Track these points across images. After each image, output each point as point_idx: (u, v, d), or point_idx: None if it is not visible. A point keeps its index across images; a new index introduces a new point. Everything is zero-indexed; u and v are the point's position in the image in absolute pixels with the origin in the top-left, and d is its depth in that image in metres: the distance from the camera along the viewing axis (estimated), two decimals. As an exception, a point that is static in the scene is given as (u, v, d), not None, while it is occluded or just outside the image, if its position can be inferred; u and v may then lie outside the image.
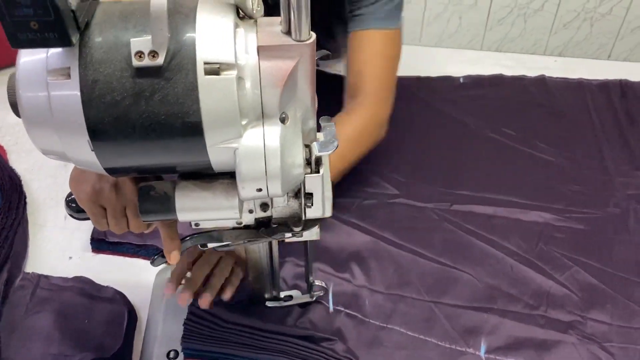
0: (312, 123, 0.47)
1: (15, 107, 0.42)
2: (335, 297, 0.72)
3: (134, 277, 0.77)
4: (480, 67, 1.16)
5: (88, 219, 0.58)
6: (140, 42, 0.39)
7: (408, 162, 0.93)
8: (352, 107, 0.82)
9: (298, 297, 0.70)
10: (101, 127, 0.40)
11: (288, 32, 0.41)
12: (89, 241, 0.81)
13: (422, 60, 1.19)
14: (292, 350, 0.65)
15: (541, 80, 1.11)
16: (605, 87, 1.10)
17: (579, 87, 1.10)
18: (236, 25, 0.41)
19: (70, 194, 0.58)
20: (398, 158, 0.93)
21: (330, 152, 0.47)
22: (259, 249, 0.62)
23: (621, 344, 0.69)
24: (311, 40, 0.42)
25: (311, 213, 0.53)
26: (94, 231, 0.81)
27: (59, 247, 0.82)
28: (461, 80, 1.12)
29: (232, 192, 0.46)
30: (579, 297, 0.73)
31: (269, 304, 0.69)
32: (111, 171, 0.45)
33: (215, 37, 0.40)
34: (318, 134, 0.48)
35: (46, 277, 0.75)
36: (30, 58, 0.40)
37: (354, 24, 0.84)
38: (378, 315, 0.70)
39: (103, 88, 0.40)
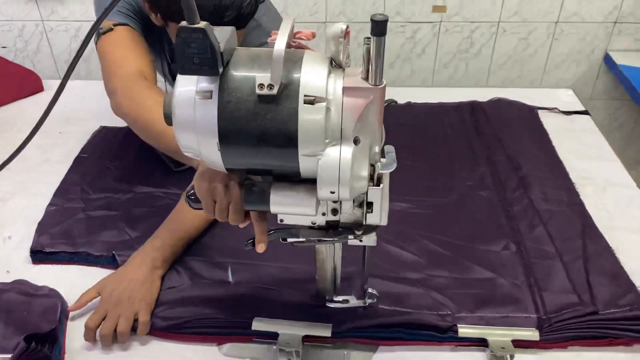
0: (377, 148, 0.60)
1: (168, 118, 0.58)
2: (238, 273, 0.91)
3: (65, 281, 0.91)
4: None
5: (201, 209, 0.70)
6: (262, 77, 0.54)
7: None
8: None
9: (353, 302, 0.84)
10: (228, 134, 0.56)
11: (366, 78, 0.56)
12: (28, 254, 0.95)
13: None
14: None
15: (408, 105, 1.36)
16: (459, 108, 1.36)
17: (438, 108, 1.35)
18: (329, 72, 0.57)
19: (189, 189, 0.72)
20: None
21: (389, 171, 0.61)
22: (325, 250, 0.76)
23: (456, 289, 0.89)
24: (382, 85, 0.56)
25: (370, 220, 0.65)
26: (33, 244, 0.96)
27: (-2, 263, 0.96)
28: (345, 110, 1.35)
29: (311, 193, 0.60)
30: (425, 261, 0.94)
31: (328, 304, 0.85)
32: (229, 169, 0.60)
33: (313, 78, 0.56)
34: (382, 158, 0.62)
35: (-13, 283, 0.88)
36: (184, 83, 0.57)
37: None
38: (272, 283, 0.89)
39: (233, 107, 0.55)
